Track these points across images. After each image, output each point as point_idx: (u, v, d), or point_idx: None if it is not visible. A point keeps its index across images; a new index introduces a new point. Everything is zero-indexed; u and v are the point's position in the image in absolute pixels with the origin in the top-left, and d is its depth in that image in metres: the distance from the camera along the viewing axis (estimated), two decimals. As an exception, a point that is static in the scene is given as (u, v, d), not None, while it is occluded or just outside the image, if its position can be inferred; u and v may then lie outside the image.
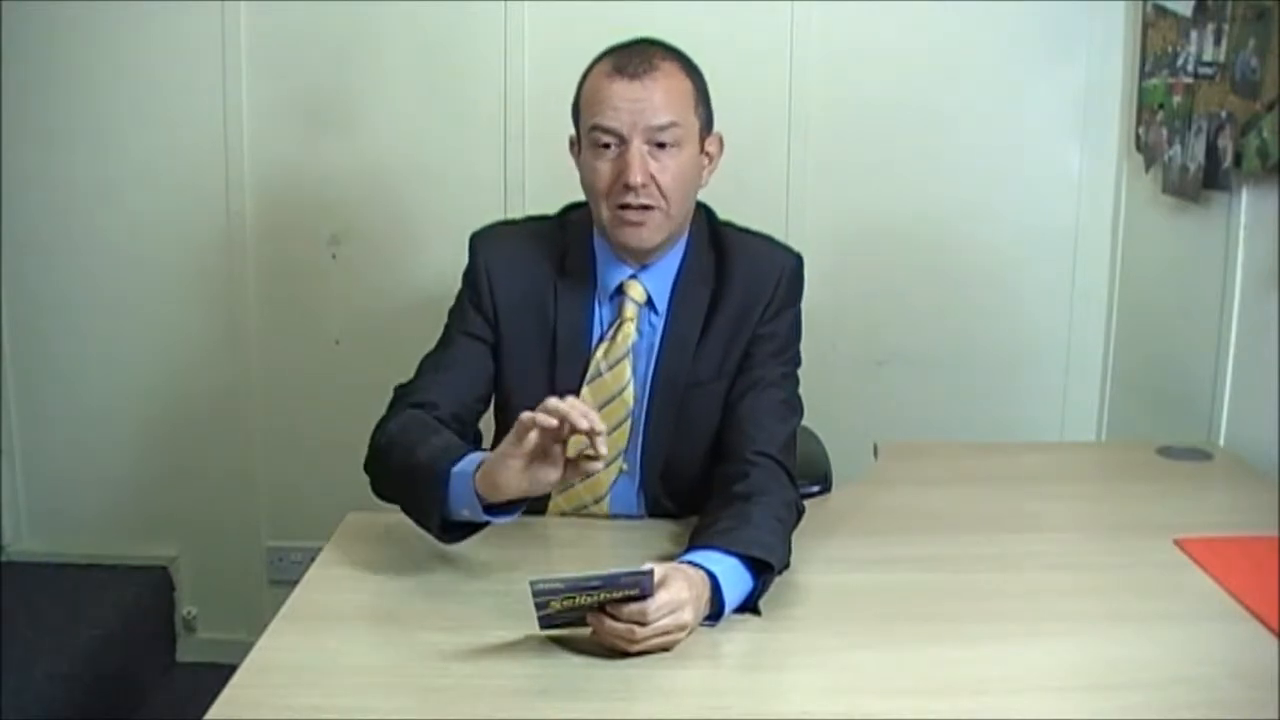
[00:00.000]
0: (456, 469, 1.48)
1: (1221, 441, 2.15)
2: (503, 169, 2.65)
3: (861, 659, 1.35)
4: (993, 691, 1.28)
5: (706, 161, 1.69)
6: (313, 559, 1.61)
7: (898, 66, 2.63)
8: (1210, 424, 2.18)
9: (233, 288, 2.75)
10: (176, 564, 2.90)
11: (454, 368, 1.70)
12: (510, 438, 1.43)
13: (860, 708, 1.25)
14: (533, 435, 1.41)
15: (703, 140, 1.66)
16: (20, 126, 2.69)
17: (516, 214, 2.59)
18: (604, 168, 1.60)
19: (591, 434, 1.40)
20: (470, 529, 1.52)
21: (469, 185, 2.67)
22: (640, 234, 1.62)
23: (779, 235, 1.78)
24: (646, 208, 1.60)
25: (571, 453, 1.45)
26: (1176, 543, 1.64)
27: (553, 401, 1.40)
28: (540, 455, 1.43)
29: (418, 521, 1.54)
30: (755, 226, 1.79)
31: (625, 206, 1.60)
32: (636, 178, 1.57)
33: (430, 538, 1.54)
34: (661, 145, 1.59)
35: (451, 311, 1.76)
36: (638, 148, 1.58)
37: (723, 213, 1.79)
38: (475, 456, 1.49)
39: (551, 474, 1.44)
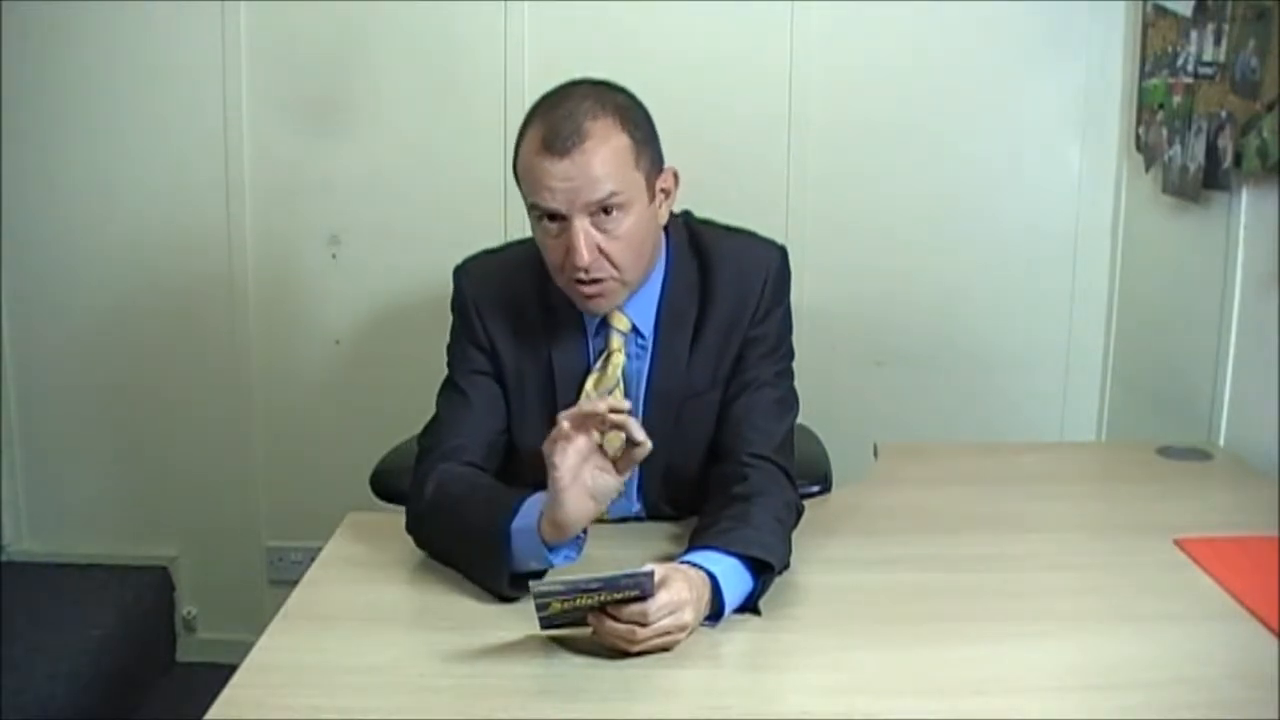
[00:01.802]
0: (516, 525, 1.44)
1: (1221, 441, 2.15)
2: (503, 169, 2.62)
3: (861, 659, 1.35)
4: (993, 691, 1.28)
5: (663, 199, 1.62)
6: (313, 559, 1.61)
7: (897, 67, 2.63)
8: (1210, 424, 2.18)
9: (233, 288, 2.75)
10: (176, 564, 2.90)
11: (471, 407, 1.67)
12: (552, 467, 1.40)
13: (860, 708, 1.25)
14: (571, 446, 1.39)
15: (652, 187, 1.58)
16: (20, 126, 2.69)
17: (516, 214, 2.60)
18: (551, 244, 1.55)
19: (624, 422, 1.39)
20: (530, 576, 1.46)
21: (469, 185, 2.67)
22: (599, 304, 1.59)
23: (779, 236, 1.77)
24: (599, 280, 1.56)
25: (612, 451, 1.44)
26: (1176, 543, 1.64)
27: (568, 412, 1.40)
28: (587, 469, 1.42)
29: (480, 583, 1.49)
30: (755, 227, 1.77)
31: (579, 281, 1.56)
32: (583, 258, 1.51)
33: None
34: (607, 213, 1.52)
35: (450, 349, 1.73)
36: (580, 226, 1.51)
37: (723, 215, 1.78)
38: (529, 507, 1.45)
39: (608, 479, 1.43)
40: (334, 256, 2.75)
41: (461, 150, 2.67)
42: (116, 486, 2.88)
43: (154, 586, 2.84)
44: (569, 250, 1.53)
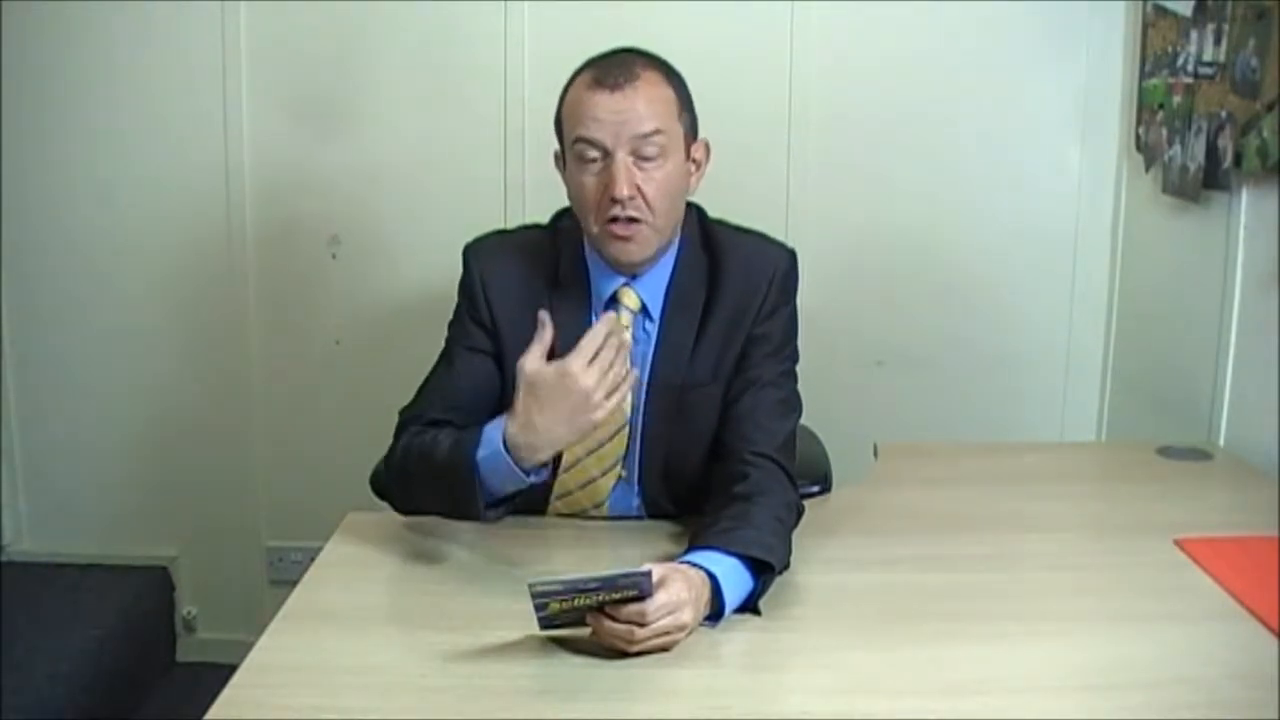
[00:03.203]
0: (481, 455, 1.49)
1: (1221, 441, 2.15)
2: (503, 169, 2.65)
3: (861, 659, 1.35)
4: (993, 691, 1.28)
5: (694, 169, 1.67)
6: (313, 559, 1.61)
7: (897, 67, 2.63)
8: (1210, 424, 2.18)
9: (233, 288, 2.75)
10: (176, 564, 2.90)
11: (460, 384, 1.69)
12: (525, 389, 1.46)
13: (860, 708, 1.25)
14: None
15: (688, 148, 1.64)
16: (20, 126, 2.69)
17: (516, 214, 2.63)
18: (590, 181, 1.59)
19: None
20: (507, 501, 1.55)
21: (469, 185, 2.67)
22: (629, 249, 1.62)
23: (779, 236, 1.78)
24: (634, 220, 1.59)
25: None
26: (1176, 543, 1.64)
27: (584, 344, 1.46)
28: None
29: (460, 517, 1.57)
30: (755, 227, 1.78)
31: (613, 220, 1.59)
32: (623, 190, 1.56)
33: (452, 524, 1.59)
34: (647, 157, 1.57)
35: (451, 325, 1.74)
36: (623, 159, 1.56)
37: (722, 214, 1.78)
38: (490, 435, 1.50)
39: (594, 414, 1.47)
40: (334, 256, 2.75)
41: (461, 150, 2.67)
42: (116, 486, 2.87)
43: (154, 586, 2.84)
44: (608, 185, 1.56)
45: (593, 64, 1.62)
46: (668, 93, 1.60)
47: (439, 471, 1.54)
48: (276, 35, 2.65)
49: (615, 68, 1.58)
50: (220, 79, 2.66)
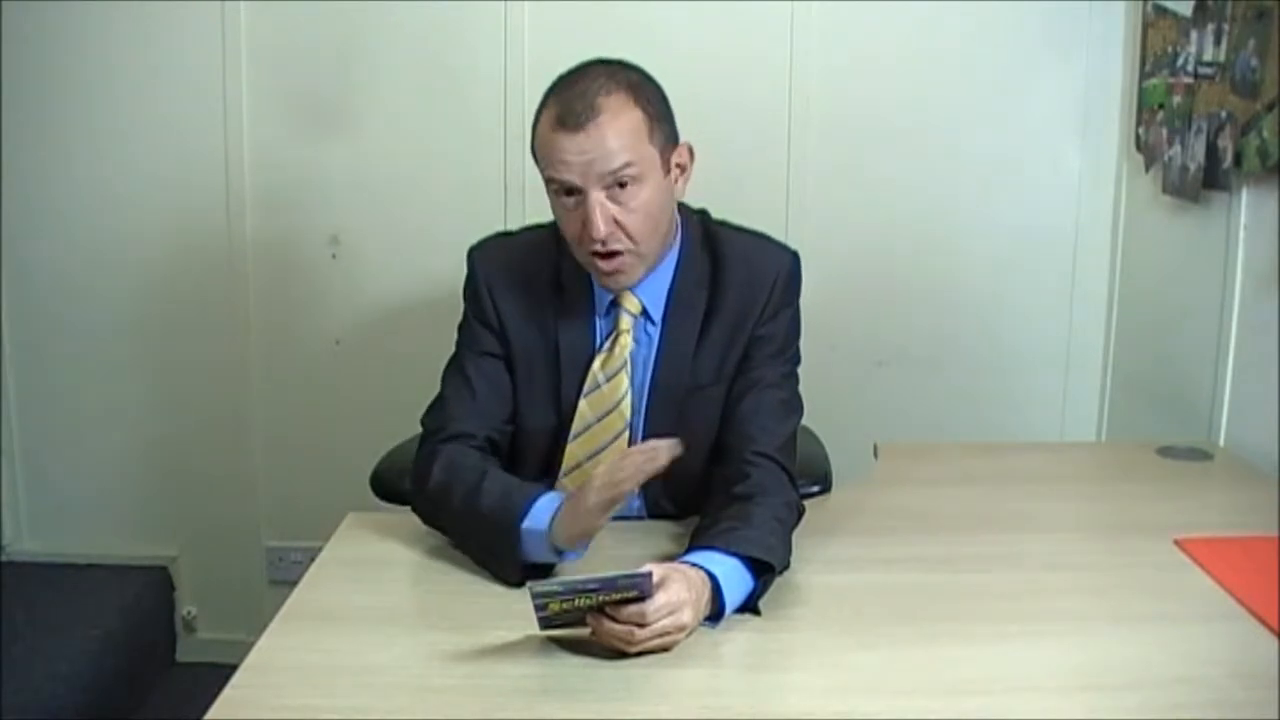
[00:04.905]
0: (525, 526, 1.48)
1: (1221, 441, 2.15)
2: (503, 169, 2.65)
3: (861, 659, 1.35)
4: (993, 691, 1.28)
5: (678, 174, 1.64)
6: (313, 559, 1.61)
7: (897, 66, 2.63)
8: (1210, 424, 2.18)
9: (233, 288, 2.75)
10: (176, 564, 2.90)
11: (478, 391, 1.68)
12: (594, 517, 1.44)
13: (860, 708, 1.25)
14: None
15: (667, 161, 1.60)
16: (20, 126, 2.69)
17: (516, 214, 2.63)
18: (569, 217, 1.58)
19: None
20: (542, 567, 1.52)
21: (469, 186, 2.67)
22: (616, 279, 1.62)
23: (779, 236, 1.78)
24: (616, 253, 1.58)
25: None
26: (1176, 543, 1.64)
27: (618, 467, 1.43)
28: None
29: (487, 567, 1.54)
30: (756, 227, 1.78)
31: (595, 254, 1.58)
32: (600, 230, 1.54)
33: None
34: (622, 187, 1.54)
35: (460, 328, 1.75)
36: (595, 198, 1.53)
37: (723, 214, 1.78)
38: (540, 511, 1.49)
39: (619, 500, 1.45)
40: (334, 256, 2.75)
41: (461, 150, 2.67)
42: (116, 486, 2.87)
43: (154, 586, 2.84)
44: (585, 223, 1.55)
45: (557, 92, 1.57)
46: (634, 117, 1.55)
47: (481, 521, 1.53)
48: (276, 35, 2.65)
49: (577, 102, 1.52)
50: (220, 79, 2.66)
